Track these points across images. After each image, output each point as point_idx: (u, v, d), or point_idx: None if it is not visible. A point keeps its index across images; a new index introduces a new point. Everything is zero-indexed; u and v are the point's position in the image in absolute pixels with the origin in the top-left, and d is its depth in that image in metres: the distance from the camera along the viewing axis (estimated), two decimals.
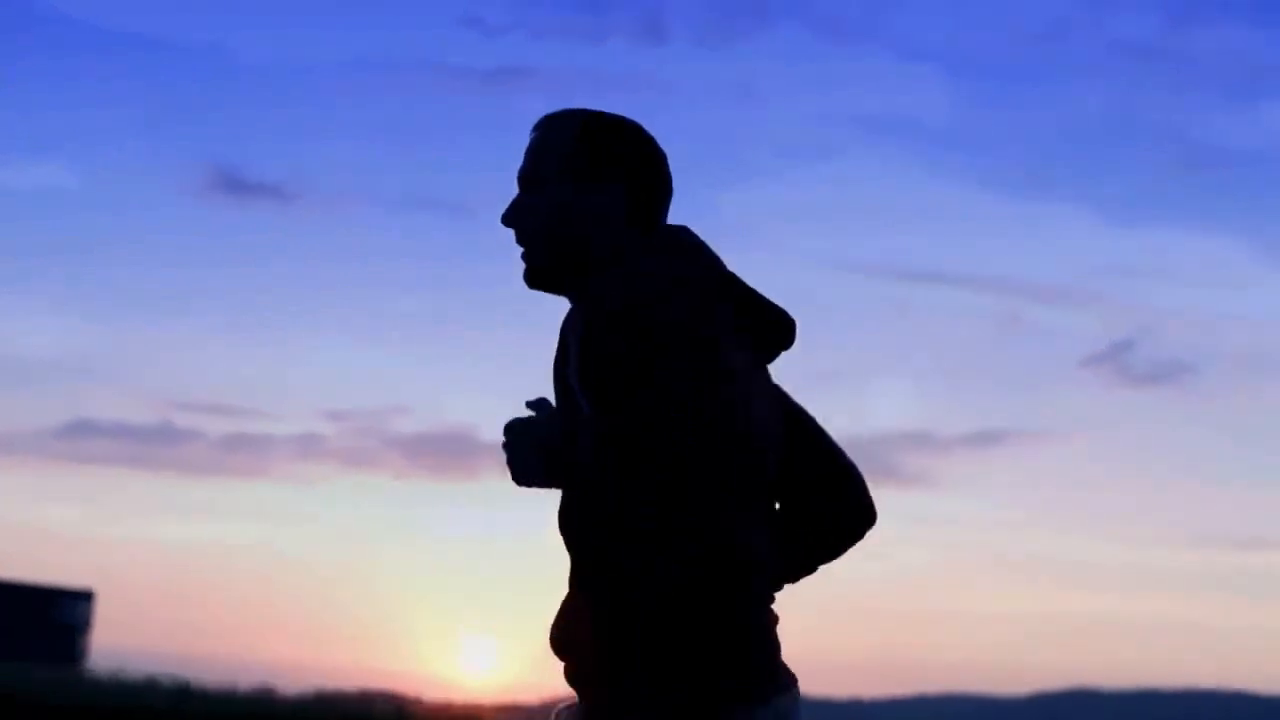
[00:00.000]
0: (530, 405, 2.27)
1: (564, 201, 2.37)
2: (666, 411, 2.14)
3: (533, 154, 2.42)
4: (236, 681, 23.75)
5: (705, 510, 2.20)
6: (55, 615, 36.07)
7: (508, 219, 2.42)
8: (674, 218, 2.44)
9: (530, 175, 2.41)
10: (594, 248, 2.36)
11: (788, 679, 2.30)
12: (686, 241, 2.37)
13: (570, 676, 2.34)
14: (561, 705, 2.42)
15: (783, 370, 2.45)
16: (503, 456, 2.26)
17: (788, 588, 2.42)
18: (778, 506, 2.41)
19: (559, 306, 2.42)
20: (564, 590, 2.35)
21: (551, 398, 2.33)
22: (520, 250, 2.41)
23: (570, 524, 2.30)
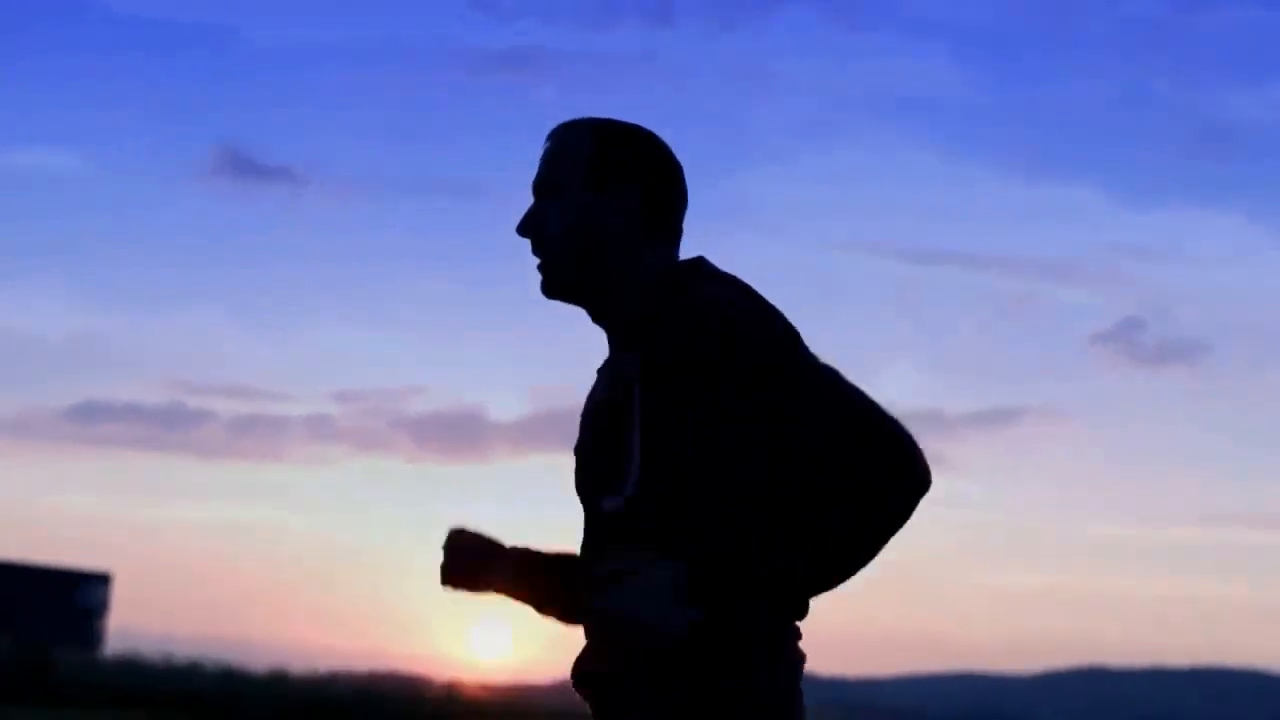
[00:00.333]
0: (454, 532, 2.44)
1: (581, 210, 2.36)
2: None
3: (548, 163, 2.41)
4: (251, 663, 23.82)
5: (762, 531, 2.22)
6: (74, 598, 36.22)
7: (524, 229, 2.40)
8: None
9: (546, 184, 2.40)
10: (612, 257, 2.35)
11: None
12: (709, 264, 2.36)
13: (593, 708, 2.33)
14: None
15: None
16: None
17: None
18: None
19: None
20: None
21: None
22: (537, 261, 2.40)
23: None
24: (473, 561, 2.44)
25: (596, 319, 2.41)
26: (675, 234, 2.41)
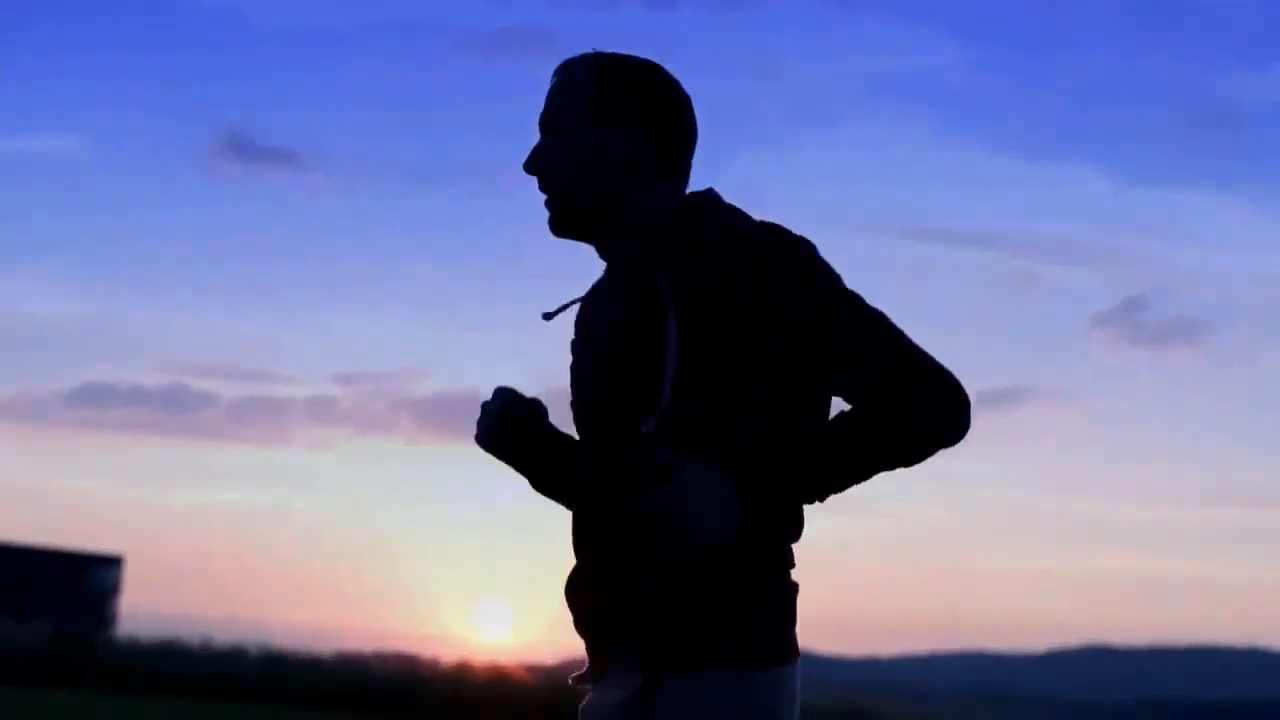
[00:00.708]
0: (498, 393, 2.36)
1: (587, 144, 2.35)
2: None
3: (553, 99, 2.39)
4: (255, 644, 23.82)
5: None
6: (86, 581, 36.27)
7: (530, 166, 2.39)
8: (691, 183, 2.42)
9: (551, 120, 2.39)
10: (617, 192, 2.34)
11: (793, 650, 2.28)
12: (719, 198, 2.36)
13: (589, 627, 2.33)
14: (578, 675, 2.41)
15: None
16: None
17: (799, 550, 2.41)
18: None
19: (570, 268, 2.41)
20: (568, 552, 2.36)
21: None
22: (544, 198, 2.38)
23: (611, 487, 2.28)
24: (517, 435, 2.43)
25: (604, 255, 2.40)
26: (684, 169, 2.39)
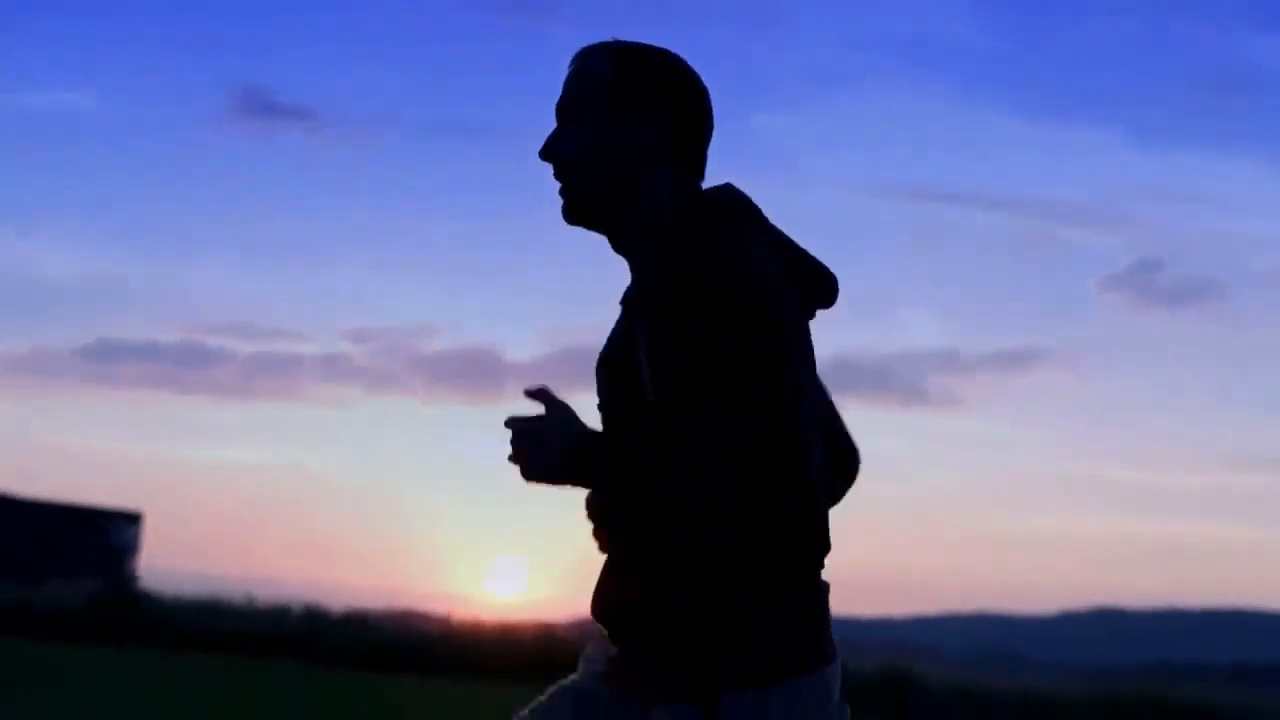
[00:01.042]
0: (532, 395, 2.21)
1: (603, 132, 2.34)
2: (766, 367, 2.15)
3: (570, 85, 2.39)
4: (269, 599, 23.96)
5: (793, 470, 2.19)
6: (105, 538, 36.46)
7: (545, 153, 2.38)
8: (707, 172, 2.40)
9: (568, 107, 2.38)
10: (631, 182, 2.33)
11: (832, 650, 2.25)
12: (736, 197, 2.32)
13: (617, 641, 2.32)
14: (592, 644, 2.43)
15: None
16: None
17: None
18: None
19: (582, 231, 2.41)
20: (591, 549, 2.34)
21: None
22: (558, 185, 2.38)
23: (625, 504, 2.22)
24: (552, 466, 2.18)
25: (616, 247, 2.39)
26: (700, 158, 2.38)
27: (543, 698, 2.44)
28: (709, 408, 2.11)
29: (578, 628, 21.90)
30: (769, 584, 2.19)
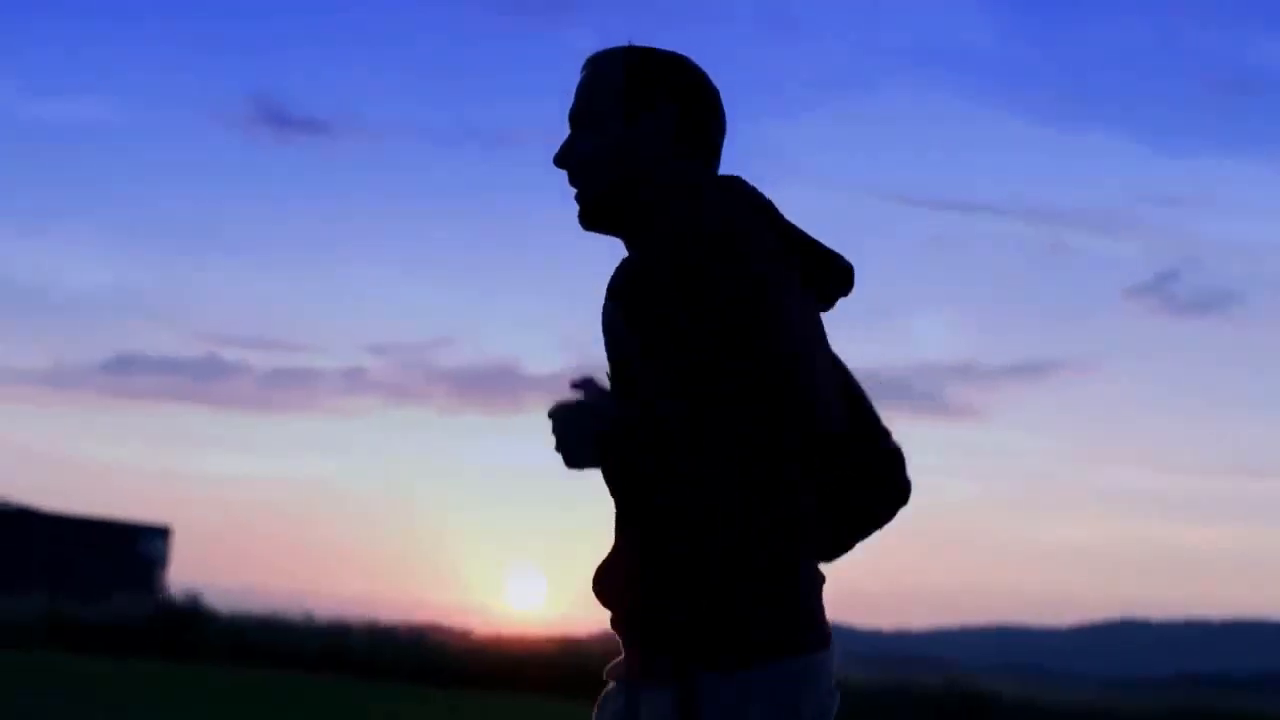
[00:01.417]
0: (576, 386, 2.21)
1: (617, 137, 2.34)
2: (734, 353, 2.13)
3: (583, 92, 2.39)
4: (287, 613, 23.96)
5: (766, 460, 2.16)
6: (135, 551, 36.62)
7: (560, 159, 2.39)
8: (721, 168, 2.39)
9: (581, 113, 2.38)
10: (646, 185, 2.32)
11: (826, 637, 2.24)
12: (743, 189, 2.33)
13: (614, 623, 2.32)
14: (612, 664, 2.39)
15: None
16: (550, 432, 2.18)
17: None
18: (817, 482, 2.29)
19: (600, 240, 2.39)
20: (607, 531, 2.34)
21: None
22: (574, 192, 2.38)
23: (619, 473, 2.24)
24: (586, 453, 2.18)
25: (632, 250, 2.37)
26: (713, 159, 2.38)
27: None
28: (705, 405, 2.12)
29: (597, 641, 21.83)
30: (768, 583, 2.20)
